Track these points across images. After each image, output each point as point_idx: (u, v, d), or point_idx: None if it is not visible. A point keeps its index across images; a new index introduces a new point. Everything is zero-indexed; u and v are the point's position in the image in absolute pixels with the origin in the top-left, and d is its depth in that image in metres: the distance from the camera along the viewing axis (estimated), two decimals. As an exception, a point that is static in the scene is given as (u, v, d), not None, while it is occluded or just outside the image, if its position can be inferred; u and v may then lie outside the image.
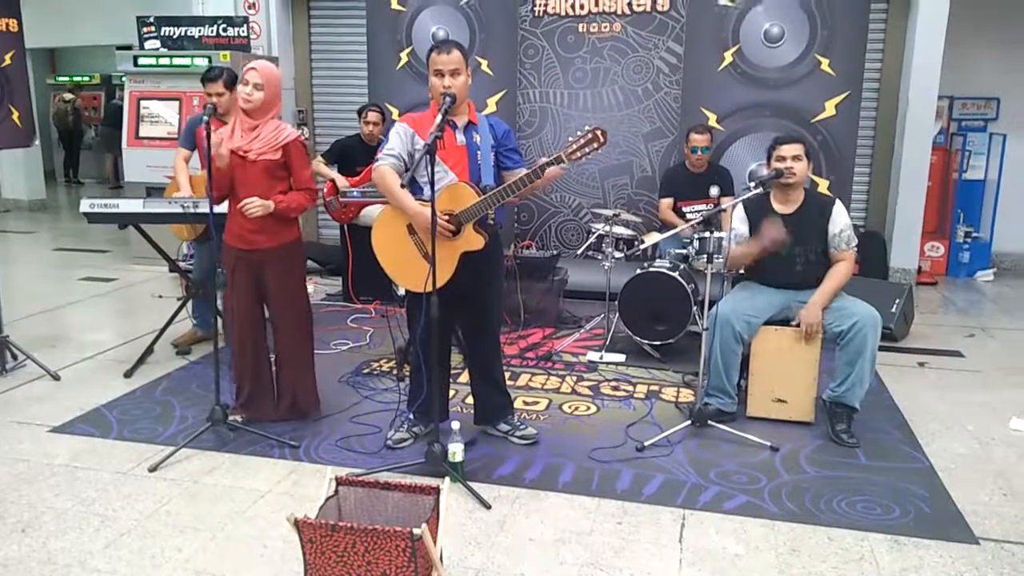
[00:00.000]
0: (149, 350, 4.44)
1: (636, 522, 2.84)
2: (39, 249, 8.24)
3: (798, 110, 6.04)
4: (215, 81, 4.32)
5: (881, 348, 3.63)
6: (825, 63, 5.94)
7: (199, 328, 4.77)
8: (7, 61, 4.21)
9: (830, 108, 5.99)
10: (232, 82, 4.35)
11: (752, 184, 3.58)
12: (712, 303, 3.64)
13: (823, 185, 6.03)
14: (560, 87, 6.52)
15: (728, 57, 6.10)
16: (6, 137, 4.27)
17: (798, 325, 3.61)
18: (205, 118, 3.31)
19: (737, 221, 3.75)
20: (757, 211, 3.71)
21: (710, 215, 3.57)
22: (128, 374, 4.26)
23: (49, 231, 9.39)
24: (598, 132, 3.04)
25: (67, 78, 14.40)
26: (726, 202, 3.66)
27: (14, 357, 4.35)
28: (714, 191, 4.72)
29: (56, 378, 4.20)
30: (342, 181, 5.49)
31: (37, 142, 4.90)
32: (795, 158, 3.60)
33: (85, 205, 4.06)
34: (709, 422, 3.54)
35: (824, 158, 6.03)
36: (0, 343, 4.27)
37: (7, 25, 4.21)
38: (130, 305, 6.02)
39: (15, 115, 4.28)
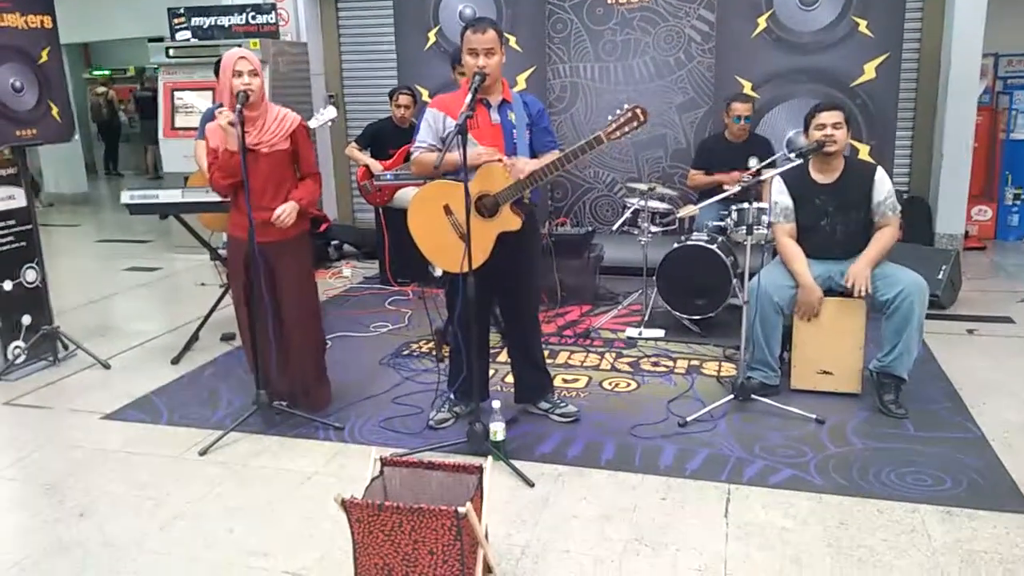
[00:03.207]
0: (194, 337, 4.53)
1: (681, 498, 2.83)
2: (84, 241, 8.43)
3: (836, 74, 5.89)
4: None
5: (928, 316, 3.55)
6: (863, 24, 5.77)
7: None
8: (44, 58, 4.28)
9: (869, 71, 5.83)
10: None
11: (792, 154, 3.50)
12: (752, 275, 3.58)
13: (864, 151, 5.89)
14: (590, 61, 6.44)
15: (762, 23, 5.96)
16: (47, 133, 4.34)
17: (841, 294, 3.54)
18: (237, 107, 3.30)
19: (777, 193, 3.67)
20: (797, 182, 3.64)
21: (749, 185, 3.51)
22: (175, 361, 4.36)
23: (92, 223, 9.60)
24: (638, 111, 2.98)
25: (101, 72, 14.64)
26: (765, 172, 3.58)
27: (65, 347, 4.46)
28: (752, 162, 4.65)
29: (106, 366, 4.31)
30: (376, 165, 5.50)
31: (77, 136, 4.99)
32: (835, 125, 3.51)
33: (125, 197, 4.13)
34: (752, 396, 3.50)
35: (864, 123, 5.88)
36: (51, 334, 4.39)
37: (42, 22, 4.27)
38: (174, 293, 6.14)
39: (54, 110, 4.36)
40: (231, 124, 3.15)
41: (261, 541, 2.63)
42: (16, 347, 4.23)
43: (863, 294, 3.46)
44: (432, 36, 6.65)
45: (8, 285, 4.19)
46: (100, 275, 6.74)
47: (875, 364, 3.55)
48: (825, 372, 3.65)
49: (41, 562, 2.54)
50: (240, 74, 3.17)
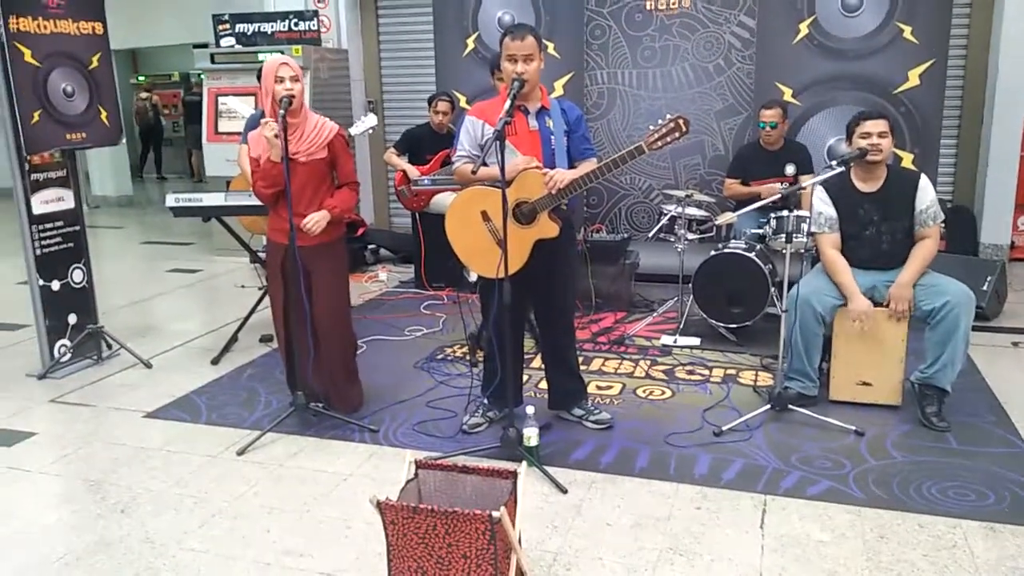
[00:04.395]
0: (234, 338, 4.61)
1: (716, 507, 2.81)
2: (128, 243, 8.62)
3: (879, 81, 5.81)
4: None
5: (973, 328, 3.47)
6: (908, 31, 5.68)
7: None
8: (94, 63, 4.39)
9: (913, 78, 5.74)
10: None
11: (834, 162, 3.45)
12: (791, 284, 3.54)
13: (907, 159, 5.79)
14: (628, 67, 6.42)
15: (804, 29, 5.90)
16: (95, 136, 4.45)
17: (885, 305, 3.48)
18: (281, 112, 3.35)
19: (820, 203, 3.61)
20: (840, 191, 3.59)
21: (788, 193, 3.47)
22: (215, 361, 4.43)
23: (137, 225, 9.82)
24: (680, 121, 2.97)
25: (145, 78, 14.96)
26: (805, 180, 3.54)
27: (109, 346, 4.57)
28: (790, 169, 4.60)
29: (148, 366, 4.40)
30: (413, 171, 5.55)
31: (124, 140, 5.11)
32: (881, 135, 3.45)
33: (170, 200, 4.22)
34: (790, 406, 3.46)
35: (907, 130, 5.79)
36: (96, 333, 4.50)
37: (93, 28, 4.38)
38: (215, 295, 6.25)
39: (103, 115, 4.46)
40: (276, 136, 3.20)
41: (297, 541, 2.66)
42: (62, 345, 4.34)
43: (906, 316, 3.41)
44: (471, 42, 6.70)
45: (56, 285, 4.31)
46: (143, 276, 6.89)
47: (917, 376, 3.49)
48: (865, 383, 3.59)
49: (84, 557, 2.60)
50: (282, 80, 3.23)
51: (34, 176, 4.18)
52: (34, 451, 3.41)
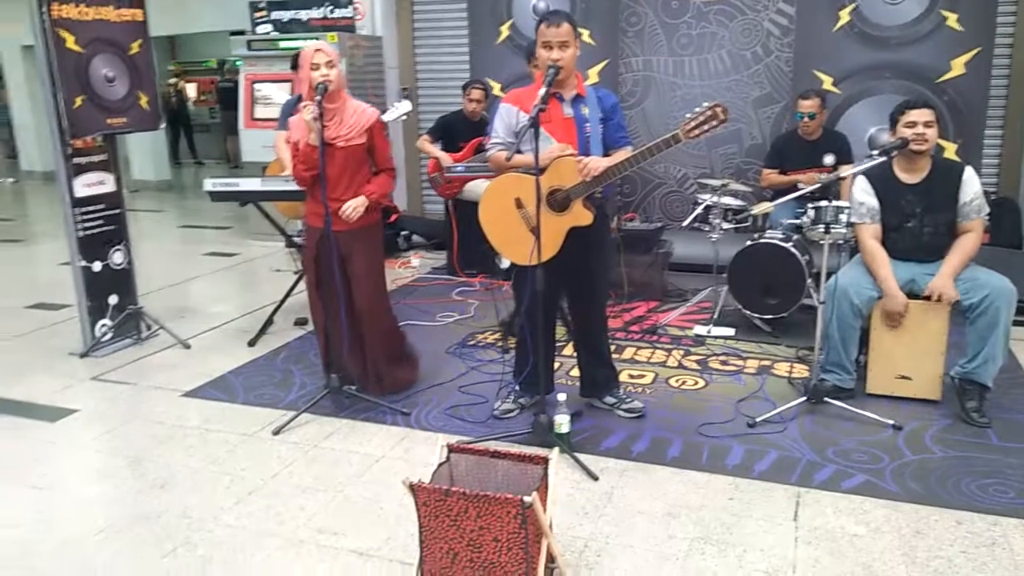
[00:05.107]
0: (269, 321, 4.67)
1: (748, 499, 2.79)
2: (167, 226, 8.77)
3: (922, 70, 5.68)
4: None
5: (1015, 323, 3.40)
6: (952, 18, 5.55)
7: None
8: (135, 49, 4.45)
9: (958, 67, 5.60)
10: None
11: (875, 152, 3.39)
12: (829, 275, 3.49)
13: (951, 149, 5.66)
14: (664, 54, 6.36)
15: (844, 16, 5.79)
16: (135, 121, 4.52)
17: (926, 298, 3.42)
18: (319, 98, 3.37)
19: (862, 193, 3.55)
20: (882, 181, 3.52)
21: (828, 183, 3.42)
22: (251, 343, 4.50)
23: (175, 209, 9.98)
24: (718, 109, 2.93)
25: (177, 64, 15.14)
26: (845, 170, 3.48)
27: (148, 327, 4.66)
28: (828, 159, 4.51)
29: (186, 346, 4.48)
30: (446, 159, 5.56)
31: (164, 125, 5.18)
32: (927, 124, 3.38)
33: (208, 185, 4.28)
34: (825, 399, 3.41)
35: (951, 120, 5.65)
36: (136, 314, 4.59)
37: (133, 15, 4.45)
38: (251, 278, 6.34)
39: (143, 100, 4.53)
40: (315, 119, 3.23)
41: (331, 520, 2.70)
42: (103, 325, 4.43)
43: (950, 304, 3.35)
44: (505, 30, 6.67)
45: (97, 266, 4.40)
46: (182, 259, 7.01)
47: (957, 370, 3.42)
48: (903, 377, 3.53)
49: (124, 530, 2.66)
50: (317, 67, 3.25)
51: (76, 160, 4.27)
52: (76, 427, 3.49)
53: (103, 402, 3.76)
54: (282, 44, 7.05)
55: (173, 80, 14.29)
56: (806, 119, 4.87)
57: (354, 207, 3.37)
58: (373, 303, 3.59)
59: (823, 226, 3.45)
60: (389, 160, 3.54)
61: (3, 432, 3.43)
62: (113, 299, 4.48)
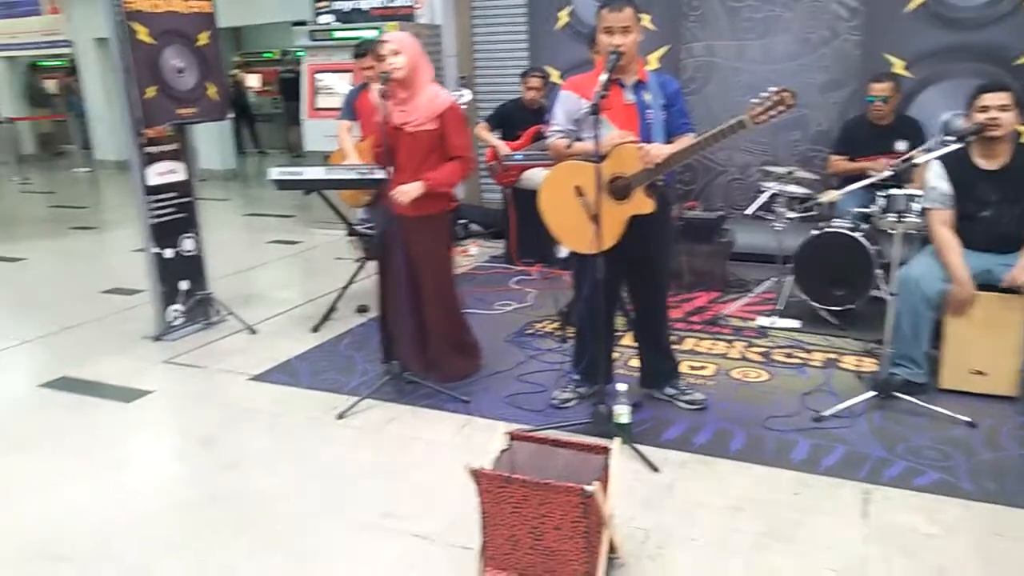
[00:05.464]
0: (332, 308, 4.75)
1: (815, 494, 2.73)
2: (232, 214, 8.99)
3: (1000, 51, 5.43)
4: (365, 56, 4.52)
5: (1102, 317, 3.24)
6: (1035, -4, 5.28)
7: None
8: (203, 40, 4.56)
9: (1040, 48, 5.34)
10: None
11: (949, 137, 3.26)
12: (901, 265, 3.38)
13: (1031, 135, 5.41)
14: (727, 39, 6.22)
15: (919, -3, 5.57)
16: (205, 111, 4.63)
17: (1003, 290, 3.29)
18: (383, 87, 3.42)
19: (935, 178, 3.43)
20: (958, 167, 3.39)
21: (900, 169, 3.31)
22: (315, 329, 4.59)
23: (240, 198, 10.23)
24: (785, 94, 2.86)
25: (242, 55, 15.47)
26: (919, 156, 3.36)
27: (217, 312, 4.79)
28: (900, 145, 4.36)
29: (253, 332, 4.59)
30: (504, 147, 5.55)
31: (232, 115, 5.31)
32: (1002, 108, 3.24)
33: (274, 173, 4.35)
34: (895, 393, 3.31)
35: (1033, 105, 5.39)
36: (205, 299, 4.73)
37: (201, 7, 4.55)
38: (314, 266, 6.46)
39: (211, 90, 4.64)
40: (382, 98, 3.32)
41: (393, 503, 2.75)
42: (175, 310, 4.57)
43: None
44: (564, 15, 6.62)
45: (169, 253, 4.54)
46: (247, 246, 7.19)
47: (1037, 366, 3.29)
48: (978, 372, 3.41)
49: (196, 510, 2.75)
50: (382, 57, 3.32)
51: (149, 150, 4.40)
52: (151, 408, 3.63)
53: (175, 384, 3.89)
54: (336, 34, 7.13)
55: (234, 71, 14.59)
56: (878, 103, 4.70)
57: (404, 191, 3.39)
58: (436, 291, 3.62)
59: (895, 215, 3.34)
60: (460, 148, 3.49)
61: (81, 412, 3.58)
62: (184, 285, 4.62)
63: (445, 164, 3.49)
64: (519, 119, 5.68)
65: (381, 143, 3.41)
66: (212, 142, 11.53)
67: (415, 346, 3.68)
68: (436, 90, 3.45)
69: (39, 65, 15.32)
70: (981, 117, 3.27)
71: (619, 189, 3.11)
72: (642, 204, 3.11)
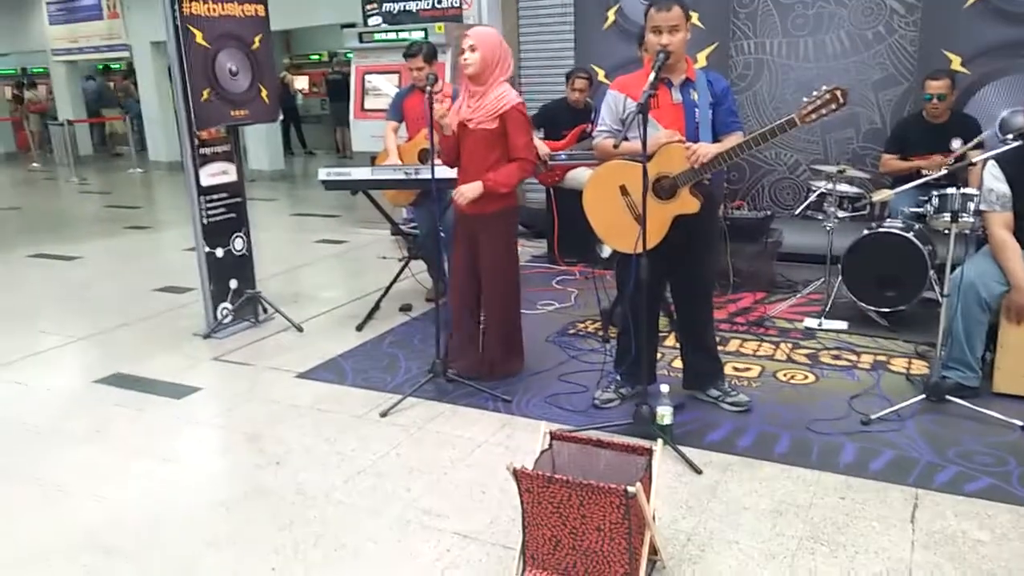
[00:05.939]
0: (376, 307, 4.81)
1: (862, 499, 2.68)
2: (280, 214, 9.16)
3: (1063, 47, 5.25)
4: (415, 56, 4.57)
5: None
6: (1101, -10, 5.09)
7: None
8: (256, 44, 4.65)
9: (1106, 42, 5.14)
10: (431, 56, 4.58)
11: (1010, 136, 3.16)
12: (954, 266, 3.29)
13: (1095, 132, 5.20)
14: (777, 36, 6.12)
15: (978, -9, 5.41)
16: (257, 113, 4.72)
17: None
18: (428, 89, 3.46)
19: (992, 179, 3.33)
20: (1016, 167, 3.29)
21: (955, 168, 3.22)
22: (359, 328, 4.65)
23: (287, 198, 10.41)
24: (837, 92, 2.81)
25: (291, 58, 15.74)
26: (976, 155, 3.26)
27: (264, 310, 4.89)
28: (956, 143, 4.25)
29: (300, 330, 4.68)
30: (543, 148, 5.55)
31: (281, 117, 5.41)
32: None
33: (322, 174, 4.45)
34: (947, 397, 3.23)
35: (1095, 101, 5.20)
36: (254, 298, 4.83)
37: (256, 11, 4.64)
38: (359, 265, 6.55)
39: (263, 93, 4.73)
40: (433, 99, 3.44)
41: (435, 501, 2.77)
42: (224, 308, 4.68)
43: None
44: (612, 15, 6.59)
45: (220, 252, 4.64)
46: (294, 246, 7.31)
47: (1098, 371, 3.17)
48: (1035, 376, 3.30)
49: (243, 503, 2.81)
50: (462, 51, 3.42)
51: (202, 151, 4.50)
52: (200, 404, 3.72)
53: (224, 381, 3.99)
54: (376, 36, 7.18)
55: (282, 74, 14.86)
56: (935, 100, 4.58)
57: (462, 192, 3.45)
58: (499, 290, 3.68)
59: (949, 214, 3.25)
60: (521, 149, 3.50)
61: (134, 407, 3.68)
62: (233, 283, 4.72)
63: (506, 165, 3.50)
64: (564, 119, 5.68)
65: (444, 147, 3.55)
66: (260, 143, 11.77)
67: (472, 344, 3.76)
68: (504, 90, 3.47)
69: (111, 68, 15.77)
70: (1040, 114, 3.16)
71: (664, 188, 3.09)
72: (688, 204, 3.08)
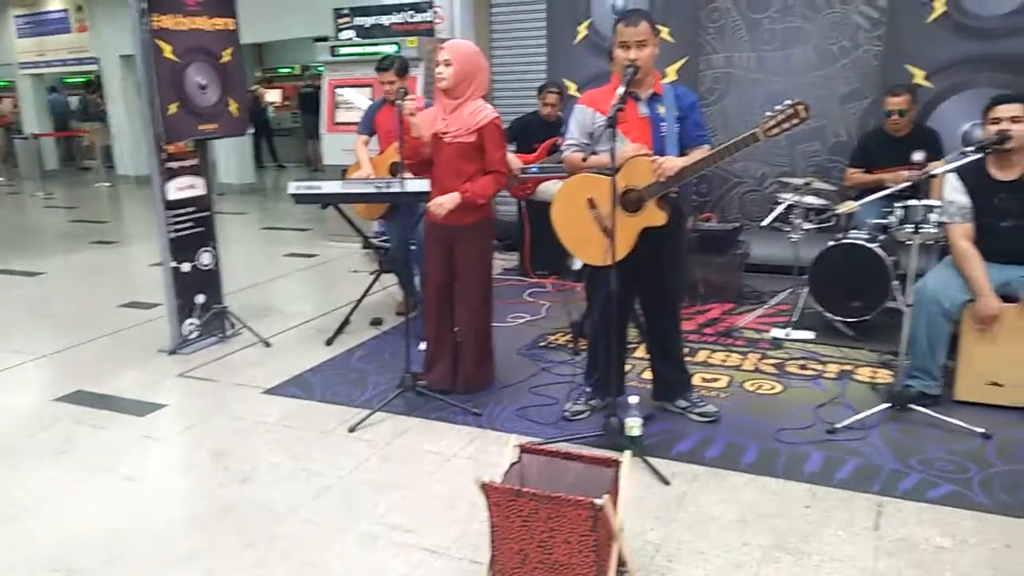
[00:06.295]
0: (346, 321, 4.78)
1: (827, 507, 2.70)
2: (249, 228, 9.08)
3: (1023, 62, 5.38)
4: (387, 70, 4.57)
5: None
6: (1059, 7, 5.23)
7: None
8: (226, 57, 4.62)
9: (1063, 58, 5.28)
10: (403, 70, 4.59)
11: (969, 149, 3.24)
12: (917, 277, 3.35)
13: (1051, 145, 5.33)
14: (746, 50, 6.21)
15: (940, 7, 5.53)
16: (225, 127, 4.69)
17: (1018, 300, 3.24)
18: (399, 103, 3.45)
19: (952, 191, 3.40)
20: (974, 179, 3.36)
21: (917, 180, 3.28)
22: (329, 342, 4.61)
23: (257, 212, 10.33)
24: (799, 107, 2.86)
25: (263, 71, 15.66)
26: (937, 167, 3.33)
27: (232, 325, 4.83)
28: (918, 156, 4.31)
29: (267, 345, 4.63)
30: (515, 162, 5.54)
31: (252, 131, 5.38)
32: (1013, 119, 3.22)
33: (292, 187, 4.39)
34: (910, 405, 3.28)
35: (1053, 115, 5.32)
36: (221, 313, 4.77)
37: (225, 24, 4.62)
38: (329, 279, 6.50)
39: (232, 106, 4.70)
40: (410, 114, 3.45)
41: (403, 517, 2.75)
42: (190, 324, 4.62)
43: None
44: (583, 29, 6.65)
45: (186, 267, 4.59)
46: (263, 260, 7.25)
47: (1056, 379, 3.24)
48: (995, 384, 3.36)
49: (208, 522, 2.77)
50: (436, 63, 3.44)
51: (169, 165, 4.45)
52: (164, 421, 3.66)
53: (189, 398, 3.93)
54: (349, 50, 7.17)
55: (253, 87, 14.76)
56: (895, 115, 4.67)
57: (440, 203, 3.46)
58: (473, 302, 3.68)
59: (912, 226, 3.31)
60: (497, 163, 3.55)
61: (96, 425, 3.61)
62: (200, 298, 4.67)
63: (481, 177, 3.53)
64: (535, 132, 5.71)
65: (409, 155, 3.55)
66: (231, 156, 11.68)
67: (446, 357, 3.77)
68: (480, 104, 3.51)
69: (88, 82, 15.56)
70: (993, 129, 3.24)
71: (631, 201, 3.11)
72: (654, 216, 3.11)
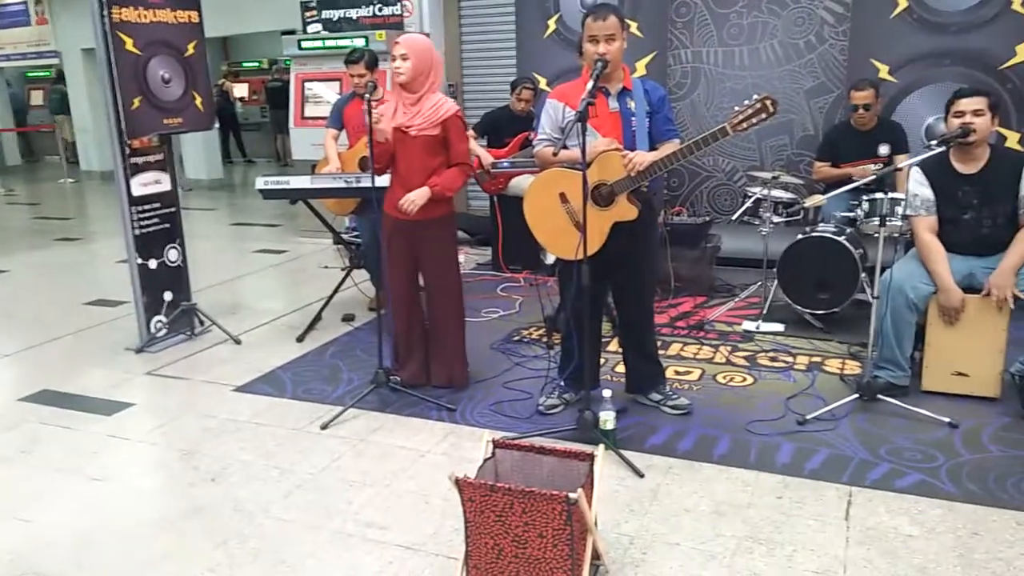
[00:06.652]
0: (318, 317, 4.74)
1: (798, 497, 2.73)
2: (218, 224, 8.96)
3: (984, 56, 5.49)
4: (357, 63, 4.53)
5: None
6: (1017, 2, 5.34)
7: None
8: (190, 51, 4.55)
9: (1023, 52, 5.39)
10: (373, 63, 4.55)
11: (933, 142, 3.29)
12: (884, 269, 3.40)
13: (1012, 139, 5.46)
14: (714, 45, 6.26)
15: (902, 3, 5.62)
16: (191, 121, 4.61)
17: (986, 293, 3.31)
18: (368, 97, 3.42)
19: (916, 185, 3.45)
20: (937, 172, 3.42)
21: (883, 174, 3.33)
22: (300, 339, 4.57)
23: (226, 208, 10.20)
24: (767, 102, 2.88)
25: (228, 65, 15.43)
26: (901, 161, 3.38)
27: (201, 323, 4.77)
28: (883, 150, 4.40)
29: (237, 342, 4.57)
30: (487, 157, 5.55)
31: (217, 125, 5.30)
32: (976, 112, 3.27)
33: (260, 183, 4.35)
34: (879, 396, 3.33)
35: (1014, 109, 5.45)
36: (189, 310, 4.70)
37: (189, 17, 4.54)
38: (299, 275, 6.44)
39: (197, 100, 4.62)
40: (370, 109, 3.38)
41: (377, 514, 2.73)
42: (158, 321, 4.55)
43: (1011, 306, 3.24)
44: (552, 24, 6.64)
45: (153, 264, 4.51)
46: (233, 256, 7.16)
47: (1018, 367, 3.31)
48: (960, 374, 3.42)
49: (177, 522, 2.73)
50: (394, 58, 3.39)
51: (134, 160, 4.38)
52: (132, 420, 3.60)
53: (157, 396, 3.87)
54: (309, 44, 7.09)
55: (220, 81, 14.54)
56: (860, 110, 4.74)
57: (411, 200, 3.44)
58: (442, 295, 3.67)
59: (878, 219, 3.36)
60: (462, 155, 3.56)
61: (62, 425, 3.55)
62: (168, 296, 4.60)
63: (448, 170, 3.52)
64: (507, 126, 5.69)
65: (378, 160, 3.50)
66: (198, 152, 11.51)
67: (418, 353, 3.75)
68: (440, 97, 3.50)
69: (61, 74, 15.19)
70: (956, 122, 3.30)
71: (603, 196, 3.12)
72: (625, 211, 3.11)
